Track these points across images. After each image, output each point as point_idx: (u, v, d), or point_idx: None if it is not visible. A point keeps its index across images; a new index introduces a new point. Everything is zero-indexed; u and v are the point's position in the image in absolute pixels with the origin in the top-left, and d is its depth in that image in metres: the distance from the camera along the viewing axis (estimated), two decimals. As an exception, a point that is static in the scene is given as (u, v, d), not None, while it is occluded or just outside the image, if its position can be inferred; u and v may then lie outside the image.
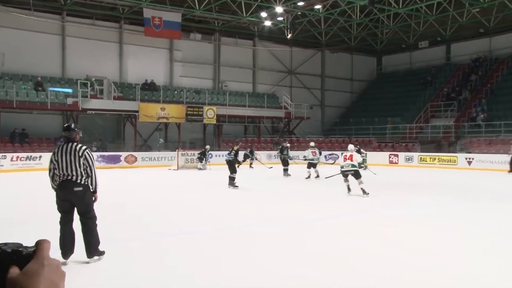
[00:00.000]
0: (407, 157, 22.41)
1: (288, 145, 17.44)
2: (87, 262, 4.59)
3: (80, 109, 20.51)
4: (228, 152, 12.12)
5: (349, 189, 10.16)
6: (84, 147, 4.62)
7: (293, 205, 9.02)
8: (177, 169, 18.86)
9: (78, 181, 4.51)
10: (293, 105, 27.41)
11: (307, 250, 5.24)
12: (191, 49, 26.58)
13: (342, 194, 10.29)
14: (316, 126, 30.97)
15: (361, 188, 9.83)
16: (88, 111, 20.93)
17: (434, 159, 21.50)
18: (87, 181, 4.58)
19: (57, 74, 22.31)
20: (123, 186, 12.42)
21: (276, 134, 28.54)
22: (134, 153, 20.76)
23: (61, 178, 4.50)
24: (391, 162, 22.49)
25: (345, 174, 10.04)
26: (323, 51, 31.62)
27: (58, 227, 4.58)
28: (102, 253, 4.68)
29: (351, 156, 9.98)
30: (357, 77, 33.86)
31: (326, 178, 12.41)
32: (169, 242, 5.76)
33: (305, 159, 14.99)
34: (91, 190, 4.62)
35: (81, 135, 4.72)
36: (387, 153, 23.09)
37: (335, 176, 11.53)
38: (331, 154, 24.02)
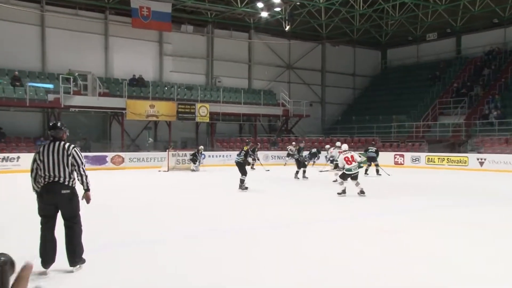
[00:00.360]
0: (414, 158, 22.39)
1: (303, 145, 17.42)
2: (71, 271, 4.52)
3: (62, 106, 20.28)
4: (237, 153, 12.14)
5: (344, 192, 10.22)
6: (72, 146, 4.61)
7: (294, 207, 9.08)
8: (168, 171, 18.79)
9: (66, 183, 4.49)
10: (292, 102, 27.42)
11: (307, 255, 5.27)
12: (182, 42, 26.49)
13: (343, 197, 10.34)
14: (316, 125, 31.00)
15: (361, 189, 10.10)
16: (70, 109, 20.74)
17: (443, 159, 21.47)
18: (74, 183, 4.56)
19: (37, 68, 22.07)
20: (109, 188, 12.34)
21: (273, 133, 28.52)
22: (121, 154, 20.60)
23: (46, 179, 4.46)
24: (396, 162, 22.49)
25: (354, 176, 10.17)
26: (324, 44, 31.62)
27: (39, 233, 4.52)
28: (84, 261, 4.66)
29: (352, 156, 10.19)
30: (360, 72, 33.87)
31: (320, 171, 12.36)
32: (162, 245, 5.76)
33: (331, 161, 14.79)
34: (84, 189, 4.62)
35: (68, 134, 4.73)
36: (392, 153, 23.07)
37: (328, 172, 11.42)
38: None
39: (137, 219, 7.70)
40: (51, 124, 4.72)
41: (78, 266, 4.58)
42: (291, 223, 7.33)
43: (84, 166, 4.62)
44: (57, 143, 4.55)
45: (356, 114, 29.91)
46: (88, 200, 4.67)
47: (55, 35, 22.52)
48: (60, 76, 20.70)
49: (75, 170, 4.54)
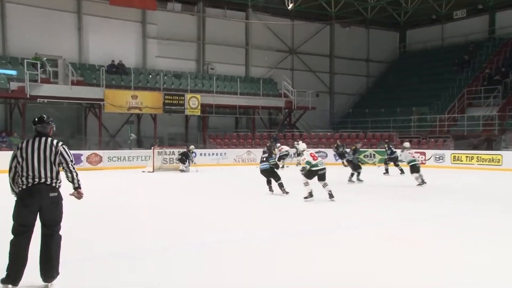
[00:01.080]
0: (437, 156, 22.37)
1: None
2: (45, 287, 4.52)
3: (28, 96, 20.05)
4: (264, 157, 11.77)
5: (311, 195, 10.29)
6: (60, 142, 4.70)
7: (304, 213, 9.21)
8: (153, 171, 18.71)
9: (54, 184, 4.54)
10: (295, 92, 27.37)
11: (314, 270, 5.33)
12: (168, 23, 26.37)
13: (354, 201, 10.61)
14: (324, 118, 31.00)
15: (329, 192, 10.21)
16: (38, 99, 20.45)
17: (472, 158, 21.39)
18: (61, 185, 4.61)
19: (-4, 52, 21.89)
20: (85, 192, 11.92)
21: (274, 128, 28.48)
22: (99, 152, 20.44)
23: (30, 180, 4.46)
24: None
25: (321, 175, 10.27)
26: (332, 25, 31.56)
27: (7, 244, 4.46)
28: (58, 274, 4.67)
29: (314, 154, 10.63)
30: (375, 57, 33.83)
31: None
32: (147, 257, 5.79)
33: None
34: (75, 187, 4.73)
35: (54, 129, 4.80)
36: (412, 151, 22.81)
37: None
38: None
39: (120, 227, 7.67)
40: (37, 118, 4.74)
41: (54, 282, 4.56)
42: (302, 231, 7.38)
43: (73, 162, 4.72)
44: (43, 139, 4.58)
45: (369, 106, 29.89)
46: (80, 197, 4.80)
47: (18, 12, 22.21)
48: (25, 61, 20.43)
49: (64, 168, 4.64)
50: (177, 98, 23.76)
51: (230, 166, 21.82)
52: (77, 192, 4.74)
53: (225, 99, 25.62)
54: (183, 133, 25.80)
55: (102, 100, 21.89)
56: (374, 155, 23.78)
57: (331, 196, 10.17)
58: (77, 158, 19.58)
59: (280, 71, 29.55)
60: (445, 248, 6.31)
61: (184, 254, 5.94)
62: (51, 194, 4.49)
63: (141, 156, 20.68)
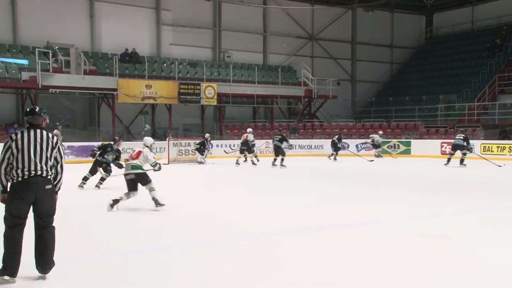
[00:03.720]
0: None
1: None
2: (43, 278, 4.67)
3: (40, 86, 20.13)
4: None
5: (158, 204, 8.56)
6: (56, 137, 4.81)
7: (321, 207, 9.14)
8: (168, 163, 18.65)
9: (49, 177, 4.67)
10: (315, 80, 27.14)
11: (334, 268, 5.29)
12: (183, 9, 26.31)
13: (373, 194, 10.54)
14: (345, 107, 30.78)
15: (153, 198, 8.53)
16: (50, 90, 20.55)
17: (504, 148, 20.97)
18: (53, 178, 4.73)
19: (7, 40, 21.86)
20: (93, 185, 12.03)
21: (294, 118, 28.33)
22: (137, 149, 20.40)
23: (25, 172, 4.55)
24: (443, 153, 22.06)
25: (127, 180, 8.51)
26: (355, 9, 31.26)
27: (1, 237, 4.63)
28: (54, 264, 4.83)
29: (139, 153, 8.66)
30: (399, 42, 33.41)
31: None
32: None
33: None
34: (56, 190, 4.81)
35: (47, 121, 4.88)
36: (439, 142, 22.84)
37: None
38: (364, 143, 23.73)
39: (130, 223, 7.62)
40: (28, 109, 4.83)
41: (49, 272, 4.72)
42: (320, 226, 7.37)
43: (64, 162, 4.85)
44: (38, 130, 4.69)
45: (393, 94, 29.66)
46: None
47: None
48: (37, 50, 20.43)
49: (53, 165, 4.72)
50: (193, 87, 23.74)
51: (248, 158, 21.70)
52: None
53: (242, 88, 25.53)
54: (199, 124, 25.83)
55: (116, 90, 21.94)
56: (398, 145, 23.47)
57: (157, 204, 8.47)
58: (90, 150, 19.60)
59: (299, 58, 29.32)
60: (473, 243, 6.21)
61: (191, 253, 5.88)
62: (47, 187, 4.62)
63: (156, 148, 20.58)
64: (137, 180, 8.50)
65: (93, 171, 11.55)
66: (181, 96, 23.41)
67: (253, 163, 18.41)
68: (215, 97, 24.36)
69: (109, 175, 11.41)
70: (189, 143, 20.07)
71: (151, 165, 8.74)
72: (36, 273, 4.68)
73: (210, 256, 5.68)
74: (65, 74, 21.51)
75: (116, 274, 5.01)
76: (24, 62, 20.58)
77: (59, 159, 4.74)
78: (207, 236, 6.72)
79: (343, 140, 21.83)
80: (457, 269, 5.13)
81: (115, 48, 23.74)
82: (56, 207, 4.78)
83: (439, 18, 33.77)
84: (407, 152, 23.08)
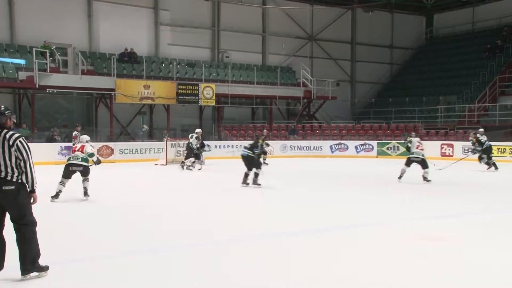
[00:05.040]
0: (466, 148, 21.77)
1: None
2: (20, 280, 4.62)
3: (37, 86, 20.10)
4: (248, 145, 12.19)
5: (57, 196, 9.41)
6: (16, 135, 4.67)
7: (320, 209, 9.13)
8: (166, 164, 18.68)
9: (9, 178, 4.56)
10: (314, 81, 27.11)
11: (334, 269, 5.28)
12: (182, 9, 26.28)
13: (374, 197, 10.50)
14: (345, 108, 30.75)
15: (84, 188, 9.68)
16: (47, 89, 20.56)
17: (504, 150, 21.00)
18: (21, 178, 4.62)
19: (4, 40, 21.82)
20: (96, 186, 12.04)
21: (293, 118, 28.29)
22: (110, 144, 20.47)
23: None
24: (443, 154, 22.19)
25: (69, 171, 9.60)
26: (354, 9, 31.21)
27: None
28: (43, 268, 4.75)
29: (82, 147, 9.77)
30: (399, 43, 33.42)
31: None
32: (157, 258, 5.66)
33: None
34: (28, 189, 4.67)
35: (14, 120, 4.81)
36: (439, 143, 22.81)
37: None
38: (363, 144, 23.79)
39: (129, 224, 7.59)
40: None
41: (32, 274, 4.66)
42: (320, 228, 7.37)
43: (31, 161, 4.66)
44: None
45: (393, 95, 29.69)
46: (33, 202, 4.75)
47: (27, -2, 22.29)
48: (34, 49, 20.44)
49: (19, 166, 4.62)
50: (191, 87, 23.70)
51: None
52: (33, 197, 4.70)
53: (241, 88, 25.49)
54: (197, 125, 25.49)
55: (113, 90, 21.89)
56: (397, 147, 23.49)
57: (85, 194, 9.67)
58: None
59: (298, 59, 29.26)
60: (473, 245, 6.22)
61: (191, 254, 5.87)
62: (5, 188, 4.51)
63: (154, 149, 20.65)
64: (83, 171, 9.69)
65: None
66: (179, 97, 23.39)
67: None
68: (214, 97, 24.33)
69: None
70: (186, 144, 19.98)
71: (89, 157, 9.82)
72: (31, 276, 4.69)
73: (214, 257, 5.68)
74: (63, 74, 21.49)
75: (114, 276, 4.98)
76: (21, 61, 20.57)
77: (20, 157, 4.58)
78: (209, 237, 6.73)
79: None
80: (457, 272, 5.14)
81: (113, 48, 23.72)
82: (31, 207, 4.69)
83: (439, 18, 33.76)
84: (406, 154, 23.05)
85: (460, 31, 32.19)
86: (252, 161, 11.76)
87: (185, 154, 17.67)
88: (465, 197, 10.70)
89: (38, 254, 4.70)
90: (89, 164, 9.78)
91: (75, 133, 17.27)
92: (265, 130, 18.86)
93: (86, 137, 10.17)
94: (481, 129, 17.47)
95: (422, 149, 12.89)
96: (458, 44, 30.98)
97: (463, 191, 11.93)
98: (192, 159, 16.45)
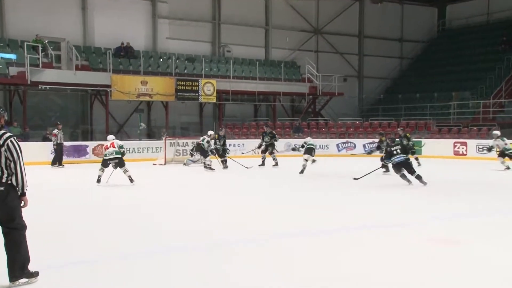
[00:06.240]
0: (481, 147, 21.73)
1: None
2: (8, 287, 4.61)
3: (29, 82, 20.08)
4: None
5: (98, 181, 12.12)
6: (7, 135, 4.65)
7: (324, 210, 9.16)
8: (165, 164, 18.67)
9: None
10: (320, 76, 27.14)
11: (342, 271, 5.30)
12: (181, 1, 26.36)
13: (380, 196, 10.54)
14: (352, 105, 30.85)
15: (128, 177, 12.04)
16: (40, 86, 20.59)
17: (521, 148, 20.85)
18: (11, 180, 4.59)
19: (-6, 34, 22.03)
20: (92, 187, 12.30)
21: (297, 116, 28.34)
22: (116, 141, 20.33)
23: None
24: (456, 153, 22.21)
25: (114, 164, 12.26)
26: (362, 1, 31.34)
27: None
28: (32, 274, 4.73)
29: (112, 144, 12.33)
30: (410, 36, 33.46)
31: (355, 179, 12.59)
32: (154, 259, 5.68)
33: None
34: (18, 192, 4.63)
35: (6, 117, 4.82)
36: (451, 141, 22.79)
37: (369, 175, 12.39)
38: (371, 143, 23.76)
39: (126, 226, 7.61)
40: None
41: (21, 280, 4.64)
42: (324, 229, 7.40)
43: (22, 162, 4.62)
44: None
45: (403, 91, 29.70)
46: (24, 205, 4.72)
47: (18, -9, 22.34)
48: (25, 44, 20.49)
49: (10, 167, 4.59)
50: (191, 84, 23.74)
51: (249, 158, 21.69)
52: (23, 200, 4.66)
53: (243, 84, 25.52)
54: (197, 123, 25.85)
55: (109, 86, 21.91)
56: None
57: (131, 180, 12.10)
58: (83, 150, 19.70)
59: (303, 53, 29.32)
60: (486, 247, 6.21)
61: (190, 255, 5.92)
62: None
63: (152, 148, 20.67)
64: (119, 162, 12.29)
65: None
66: (178, 93, 23.39)
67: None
68: (214, 94, 24.33)
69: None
70: (186, 142, 20.04)
71: (120, 149, 12.32)
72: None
73: (215, 258, 5.73)
74: (56, 70, 21.50)
75: (112, 280, 5.00)
76: (12, 56, 20.55)
77: (11, 158, 4.57)
78: (211, 238, 6.78)
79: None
80: (465, 275, 5.17)
81: (108, 42, 23.71)
82: (21, 210, 4.68)
83: (452, 10, 33.81)
84: (417, 152, 22.87)
85: (474, 22, 32.20)
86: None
87: (193, 155, 18.25)
88: (477, 198, 10.63)
89: (27, 260, 4.67)
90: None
91: (55, 131, 17.38)
92: (210, 132, 17.89)
93: (113, 136, 13.04)
94: (496, 131, 16.91)
95: None
96: (472, 37, 30.99)
97: (475, 191, 11.85)
98: (209, 158, 16.47)
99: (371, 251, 6.02)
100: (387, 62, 32.73)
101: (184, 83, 23.61)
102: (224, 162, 17.03)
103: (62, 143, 17.72)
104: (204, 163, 16.41)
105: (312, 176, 14.53)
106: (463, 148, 22.22)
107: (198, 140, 17.24)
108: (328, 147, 23.73)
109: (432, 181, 12.41)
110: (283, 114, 28.14)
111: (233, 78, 25.37)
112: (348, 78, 30.42)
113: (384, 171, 14.22)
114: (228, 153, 17.63)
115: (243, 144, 22.95)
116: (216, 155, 17.00)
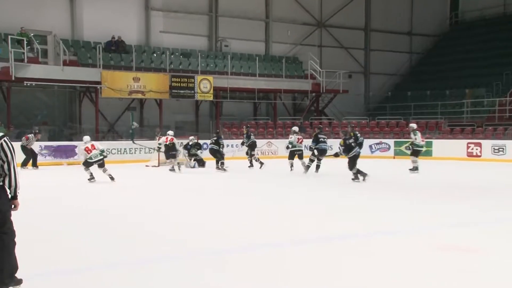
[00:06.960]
0: (496, 147, 21.91)
1: None
2: None
3: (13, 78, 20.13)
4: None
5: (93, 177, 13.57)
6: (0, 134, 4.71)
7: (323, 216, 9.19)
8: (158, 166, 18.74)
9: None
10: (324, 73, 27.25)
11: (343, 281, 5.33)
12: (176, -8, 26.48)
13: (382, 201, 10.63)
14: (358, 103, 30.93)
15: (109, 175, 13.57)
16: (25, 82, 20.61)
17: (539, 149, 20.98)
18: (3, 181, 4.62)
19: (-25, 27, 21.98)
20: (81, 189, 12.35)
21: (299, 115, 28.35)
22: (96, 143, 20.23)
23: None
24: (470, 154, 22.26)
25: (100, 164, 13.68)
26: (369, -8, 31.51)
27: None
28: (19, 282, 4.76)
29: (92, 146, 13.69)
30: (420, 29, 33.56)
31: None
32: (148, 268, 5.73)
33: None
34: (9, 195, 4.65)
35: None
36: (465, 142, 22.86)
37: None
38: (379, 143, 23.72)
39: (116, 233, 7.64)
40: None
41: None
42: (329, 236, 7.45)
43: (15, 164, 4.65)
44: None
45: (412, 88, 29.77)
46: (14, 208, 4.77)
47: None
48: (9, 37, 20.43)
49: (2, 168, 4.64)
50: (186, 80, 23.79)
51: (245, 160, 21.72)
52: (14, 203, 4.70)
53: (242, 81, 25.62)
54: (193, 121, 25.96)
55: (99, 83, 21.97)
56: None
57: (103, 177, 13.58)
58: (71, 151, 19.85)
59: (306, 48, 29.42)
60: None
61: (186, 263, 5.94)
62: None
63: (145, 148, 20.66)
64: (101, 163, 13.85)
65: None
66: (173, 90, 23.47)
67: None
68: (211, 91, 24.38)
69: None
70: (181, 143, 19.99)
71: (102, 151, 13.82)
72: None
73: (209, 268, 5.73)
74: (42, 65, 21.55)
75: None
76: (-5, 50, 20.62)
77: (4, 158, 4.60)
78: (205, 245, 6.77)
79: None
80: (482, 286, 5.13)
81: (98, 36, 23.69)
82: (11, 214, 4.70)
83: (465, 1, 33.99)
84: (427, 153, 22.86)
85: (489, 14, 32.31)
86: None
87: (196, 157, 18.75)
88: (493, 202, 10.63)
89: (16, 267, 4.71)
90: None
91: (30, 136, 17.80)
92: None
93: (88, 137, 14.17)
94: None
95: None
96: (487, 30, 31.08)
97: (491, 195, 11.83)
98: (223, 160, 17.23)
99: (379, 260, 5.97)
100: (395, 57, 32.83)
101: (179, 80, 23.66)
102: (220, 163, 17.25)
103: (30, 149, 17.85)
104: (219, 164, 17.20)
105: (312, 177, 14.59)
106: (477, 149, 22.29)
107: (187, 141, 18.12)
108: (332, 148, 23.61)
109: (445, 185, 12.39)
110: (284, 113, 28.23)
111: (231, 74, 25.47)
112: (353, 75, 30.62)
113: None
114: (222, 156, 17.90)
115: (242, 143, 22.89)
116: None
